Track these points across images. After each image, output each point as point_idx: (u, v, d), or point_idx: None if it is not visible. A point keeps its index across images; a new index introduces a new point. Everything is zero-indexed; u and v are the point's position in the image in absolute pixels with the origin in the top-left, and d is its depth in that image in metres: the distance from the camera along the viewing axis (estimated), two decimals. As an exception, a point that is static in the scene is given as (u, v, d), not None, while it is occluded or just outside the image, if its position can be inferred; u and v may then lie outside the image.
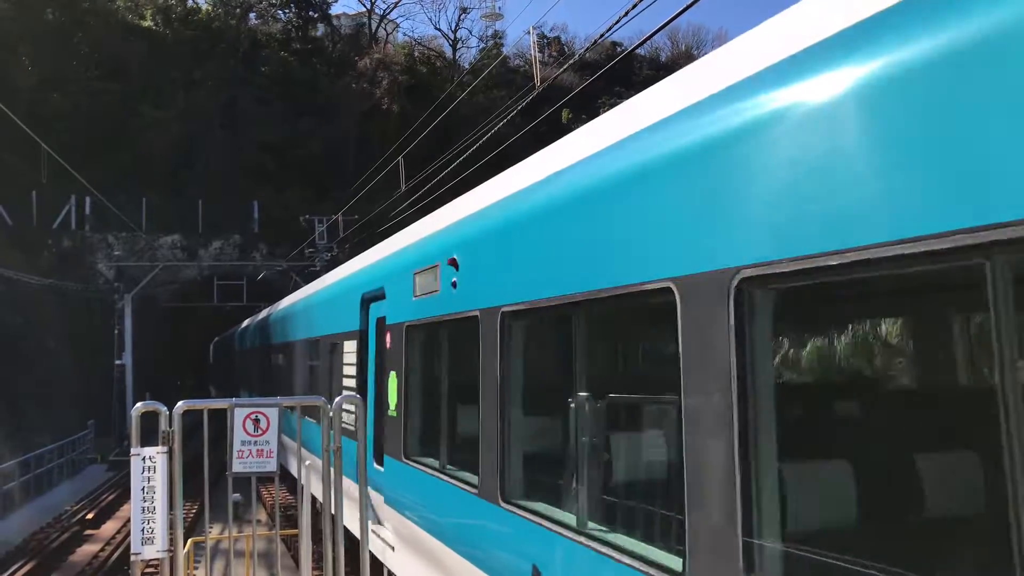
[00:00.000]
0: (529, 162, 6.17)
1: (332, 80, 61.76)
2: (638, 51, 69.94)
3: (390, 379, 8.69)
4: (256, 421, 5.88)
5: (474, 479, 5.96)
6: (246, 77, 57.03)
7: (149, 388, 36.71)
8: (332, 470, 6.19)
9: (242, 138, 52.52)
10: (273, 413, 5.89)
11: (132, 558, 5.71)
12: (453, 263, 6.42)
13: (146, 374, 42.45)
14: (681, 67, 4.83)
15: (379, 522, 9.15)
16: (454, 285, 6.47)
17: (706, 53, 4.82)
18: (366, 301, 10.29)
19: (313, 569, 10.42)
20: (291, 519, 15.67)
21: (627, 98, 5.38)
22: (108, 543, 19.73)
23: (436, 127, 27.14)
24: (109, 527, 21.81)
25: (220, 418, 6.06)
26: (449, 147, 27.61)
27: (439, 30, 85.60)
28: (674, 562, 3.74)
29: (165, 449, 5.69)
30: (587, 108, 48.90)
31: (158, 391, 35.19)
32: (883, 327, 3.52)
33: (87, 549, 19.41)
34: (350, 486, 7.20)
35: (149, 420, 5.82)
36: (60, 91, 49.91)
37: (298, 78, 59.30)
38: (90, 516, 22.51)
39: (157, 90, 53.05)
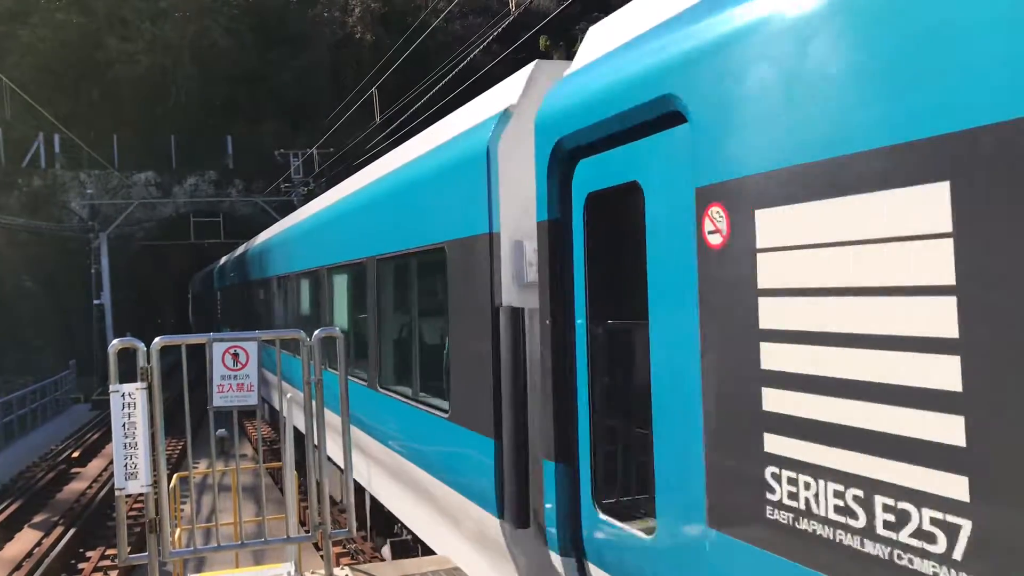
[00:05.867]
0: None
1: (303, 8, 60.11)
2: (616, -26, 68.44)
3: None
4: (235, 355, 5.84)
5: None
6: (214, 7, 55.35)
7: (129, 327, 36.54)
8: (314, 402, 6.20)
9: (213, 71, 51.21)
10: (252, 347, 5.86)
11: (117, 493, 5.72)
12: None
13: (126, 313, 42.18)
14: None
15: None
16: None
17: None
18: None
19: (300, 501, 10.55)
20: (277, 452, 15.78)
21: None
22: (95, 480, 19.88)
23: (411, 56, 26.58)
24: (95, 465, 21.94)
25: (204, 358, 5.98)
26: (424, 77, 27.10)
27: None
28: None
29: (144, 385, 5.65)
30: (565, 34, 47.97)
31: (138, 330, 35.01)
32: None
33: (74, 487, 19.55)
34: (333, 418, 7.22)
35: (132, 360, 5.73)
36: (22, 23, 48.33)
37: (268, 7, 57.62)
38: (75, 455, 22.61)
39: (123, 22, 51.44)
